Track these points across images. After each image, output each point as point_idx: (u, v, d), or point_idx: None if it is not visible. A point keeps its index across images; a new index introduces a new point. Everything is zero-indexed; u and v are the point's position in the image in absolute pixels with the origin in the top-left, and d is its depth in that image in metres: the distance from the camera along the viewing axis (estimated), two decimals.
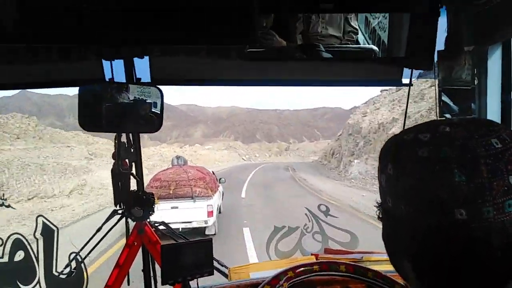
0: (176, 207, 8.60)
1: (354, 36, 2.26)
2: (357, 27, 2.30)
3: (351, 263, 1.35)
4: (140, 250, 1.95)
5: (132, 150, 1.87)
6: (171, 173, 9.52)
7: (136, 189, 1.89)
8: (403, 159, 0.54)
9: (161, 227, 2.03)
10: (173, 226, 7.29)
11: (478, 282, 0.51)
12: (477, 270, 0.50)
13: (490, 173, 0.47)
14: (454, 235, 0.49)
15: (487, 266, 0.49)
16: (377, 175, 0.61)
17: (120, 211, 1.99)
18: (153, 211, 1.89)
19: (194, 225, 8.74)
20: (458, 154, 0.49)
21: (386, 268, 1.62)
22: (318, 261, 1.41)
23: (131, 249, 1.93)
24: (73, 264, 2.08)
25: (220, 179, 11.69)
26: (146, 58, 1.61)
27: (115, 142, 1.87)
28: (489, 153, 0.48)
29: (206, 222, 8.74)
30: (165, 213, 8.30)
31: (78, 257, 2.06)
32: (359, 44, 2.48)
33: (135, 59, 1.61)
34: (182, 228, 8.55)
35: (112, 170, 1.88)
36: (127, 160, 1.87)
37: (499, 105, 1.28)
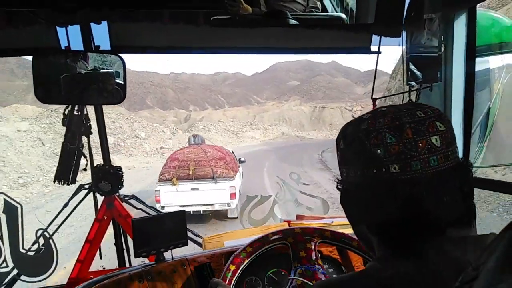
0: (197, 189, 8.13)
1: (317, 2, 2.21)
2: None
3: (338, 231, 1.39)
4: (111, 224, 1.93)
5: (85, 123, 1.77)
6: (188, 152, 8.94)
7: (102, 163, 1.83)
8: (349, 133, 0.67)
9: (132, 200, 1.99)
10: (193, 208, 7.59)
11: (416, 230, 0.60)
12: (413, 218, 0.60)
13: (414, 134, 0.59)
14: (391, 187, 0.60)
15: (421, 213, 0.60)
16: None
17: (87, 186, 1.94)
18: (122, 185, 1.85)
19: (216, 207, 8.27)
20: (388, 122, 0.61)
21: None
22: (302, 226, 1.45)
23: (101, 224, 1.90)
24: (41, 240, 2.03)
25: (239, 159, 11.08)
26: (105, 24, 1.50)
27: (64, 115, 1.77)
28: (413, 119, 0.60)
29: (229, 204, 8.22)
30: (185, 194, 8.02)
31: (45, 233, 2.02)
32: (327, 11, 2.44)
33: (93, 25, 1.50)
34: (203, 211, 8.22)
35: (62, 145, 1.79)
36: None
37: (464, 71, 1.32)
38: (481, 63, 1.39)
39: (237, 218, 8.22)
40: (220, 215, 8.68)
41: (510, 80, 1.64)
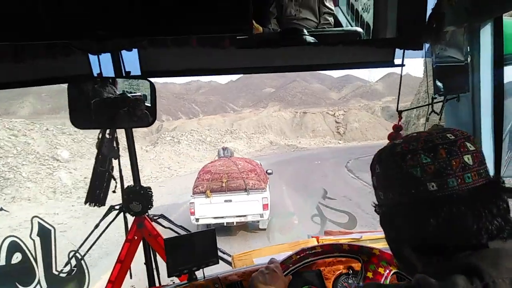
0: (230, 200, 8.26)
1: (329, 18, 2.26)
2: (332, 8, 2.29)
3: (356, 243, 1.39)
4: (141, 244, 1.96)
5: (114, 147, 1.83)
6: (220, 165, 9.16)
7: (132, 184, 1.87)
8: (384, 158, 0.72)
9: (161, 220, 2.02)
10: (226, 220, 7.86)
11: (460, 244, 0.63)
12: (455, 233, 0.63)
13: (448, 154, 0.64)
14: (430, 204, 0.64)
15: (462, 228, 0.62)
16: None
17: (117, 207, 1.98)
18: (152, 205, 1.89)
19: (249, 218, 8.40)
20: (422, 144, 0.66)
21: (386, 245, 1.67)
22: (320, 243, 1.44)
23: (132, 244, 1.93)
24: (73, 262, 2.07)
25: (267, 170, 11.12)
26: (135, 50, 1.57)
27: (98, 138, 1.83)
28: (445, 141, 0.65)
29: (261, 215, 8.28)
30: (218, 206, 8.17)
31: (77, 254, 2.06)
32: (341, 26, 2.48)
33: (124, 52, 1.57)
34: (236, 222, 8.35)
35: (94, 168, 1.85)
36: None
37: (492, 80, 1.32)
38: (508, 72, 1.37)
39: (264, 229, 8.30)
40: (246, 228, 8.76)
41: None
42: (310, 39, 1.57)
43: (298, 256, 1.36)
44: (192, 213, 8.17)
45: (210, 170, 8.96)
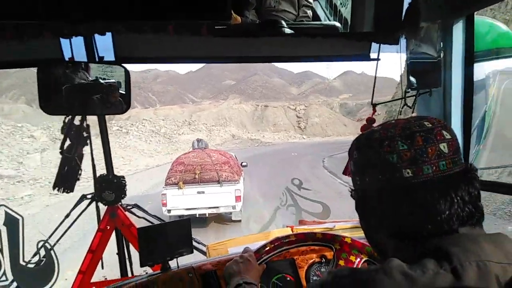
0: (203, 192, 8.31)
1: (307, 11, 2.27)
2: (311, 1, 2.30)
3: (326, 232, 1.42)
4: (114, 234, 1.93)
5: (84, 134, 1.77)
6: (194, 156, 9.15)
7: (106, 172, 1.83)
8: (362, 144, 0.73)
9: (134, 209, 1.99)
10: (199, 211, 7.78)
11: (432, 230, 0.65)
12: (428, 219, 0.65)
13: (424, 141, 0.65)
14: (405, 190, 0.65)
15: (435, 213, 0.64)
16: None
17: (89, 196, 1.93)
18: (125, 194, 1.85)
19: (222, 210, 8.46)
20: (399, 131, 0.67)
21: (359, 234, 1.72)
22: (294, 233, 1.46)
23: (104, 234, 1.89)
24: (42, 252, 2.01)
25: (242, 163, 11.19)
26: (109, 35, 1.52)
27: (64, 123, 1.76)
28: (422, 129, 0.67)
29: (234, 207, 8.37)
30: (191, 198, 8.18)
31: (47, 244, 2.00)
32: (319, 20, 2.49)
33: (97, 37, 1.51)
34: (208, 214, 8.37)
35: (60, 153, 1.78)
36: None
37: (463, 76, 1.36)
38: (477, 68, 1.43)
39: (240, 221, 8.57)
40: (220, 219, 8.79)
41: (504, 84, 1.68)
42: (288, 31, 1.57)
43: (272, 245, 1.38)
44: (164, 204, 8.19)
45: (183, 161, 8.95)
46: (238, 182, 8.62)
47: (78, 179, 1.79)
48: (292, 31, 1.55)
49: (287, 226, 1.84)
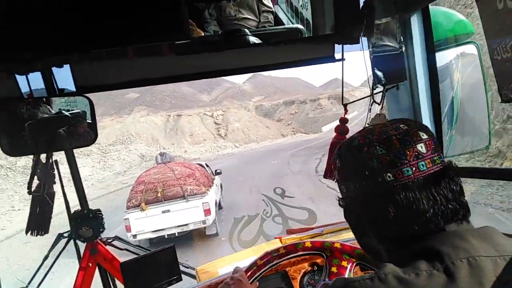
0: (168, 211, 7.81)
1: (268, 16, 2.28)
2: (271, 6, 2.31)
3: (318, 240, 1.39)
4: (97, 271, 1.84)
5: (51, 171, 1.68)
6: (155, 173, 8.62)
7: (80, 208, 1.75)
8: (343, 152, 0.75)
9: (116, 242, 1.91)
10: (167, 231, 7.18)
11: (419, 230, 0.65)
12: (413, 220, 0.65)
13: (401, 144, 0.67)
14: (388, 194, 0.66)
15: (420, 214, 0.65)
16: None
17: (66, 234, 1.84)
18: (103, 228, 1.77)
19: (191, 227, 7.94)
20: (377, 137, 0.69)
21: (347, 236, 1.71)
22: (283, 245, 1.43)
23: (86, 272, 1.80)
24: None
25: (215, 170, 10.81)
26: (67, 66, 1.46)
27: (33, 161, 1.67)
28: (398, 131, 0.68)
29: (204, 222, 7.90)
30: (156, 219, 7.65)
31: None
32: (283, 24, 2.51)
33: (55, 69, 1.46)
34: (178, 233, 7.83)
35: (28, 192, 1.68)
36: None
37: (427, 67, 1.39)
38: (440, 57, 1.46)
39: (217, 234, 8.16)
40: (199, 235, 8.31)
41: (465, 67, 1.72)
42: (253, 39, 1.56)
43: (262, 261, 1.35)
44: (128, 229, 7.62)
45: (144, 180, 8.43)
46: (206, 194, 8.18)
47: (51, 218, 1.69)
48: (256, 39, 1.54)
49: (275, 238, 1.81)
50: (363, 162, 0.68)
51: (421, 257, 0.61)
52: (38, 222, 1.65)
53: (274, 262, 1.36)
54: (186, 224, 7.85)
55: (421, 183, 0.65)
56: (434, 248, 0.62)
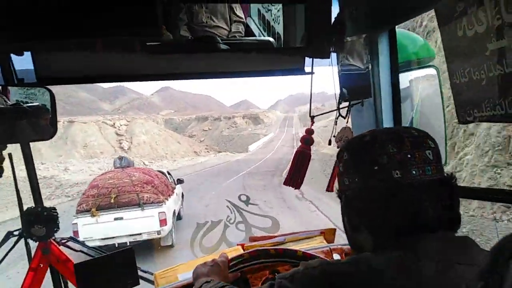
0: (121, 218, 7.26)
1: (239, 27, 2.31)
2: (243, 17, 2.34)
3: (281, 247, 1.40)
4: (49, 271, 1.74)
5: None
6: (110, 177, 7.98)
7: (33, 205, 1.66)
8: (353, 146, 0.78)
9: (70, 243, 1.83)
10: (118, 240, 6.43)
11: (413, 229, 0.68)
12: (412, 218, 0.69)
13: (412, 146, 0.70)
14: (394, 190, 0.69)
15: (420, 214, 0.68)
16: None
17: (16, 232, 1.74)
18: (58, 228, 1.69)
19: (145, 237, 7.42)
20: (390, 136, 0.72)
21: (308, 245, 1.73)
22: (248, 250, 1.43)
23: (37, 273, 1.70)
24: None
25: (177, 179, 10.38)
26: (28, 54, 1.39)
27: None
28: (410, 135, 0.72)
29: (159, 232, 7.44)
30: (107, 225, 7.10)
31: None
32: (254, 35, 2.54)
33: (14, 57, 1.38)
34: (130, 242, 7.22)
35: None
36: None
37: (390, 86, 1.46)
38: (403, 78, 1.53)
39: (172, 246, 7.86)
40: (151, 246, 7.82)
41: (425, 89, 1.82)
42: (223, 47, 1.57)
43: (250, 255, 1.34)
44: (76, 235, 6.93)
45: (97, 184, 7.89)
46: (164, 203, 7.77)
47: None
48: (227, 47, 1.55)
49: (237, 244, 1.80)
50: (374, 157, 0.70)
51: (400, 250, 0.66)
52: None
53: (235, 268, 1.35)
54: (140, 234, 7.41)
55: (425, 186, 0.69)
56: (416, 246, 0.66)
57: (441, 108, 1.68)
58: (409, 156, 0.69)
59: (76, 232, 7.06)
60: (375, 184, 0.70)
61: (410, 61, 1.64)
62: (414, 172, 0.69)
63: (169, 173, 10.43)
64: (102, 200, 7.43)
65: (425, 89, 1.78)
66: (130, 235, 7.30)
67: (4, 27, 1.15)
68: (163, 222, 7.51)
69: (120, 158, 9.63)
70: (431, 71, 1.68)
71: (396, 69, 1.45)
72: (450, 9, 1.19)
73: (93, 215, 7.25)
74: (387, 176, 0.69)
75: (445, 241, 0.68)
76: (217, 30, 2.14)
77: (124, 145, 41.53)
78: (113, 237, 7.30)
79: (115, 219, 7.30)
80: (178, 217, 9.71)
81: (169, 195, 8.44)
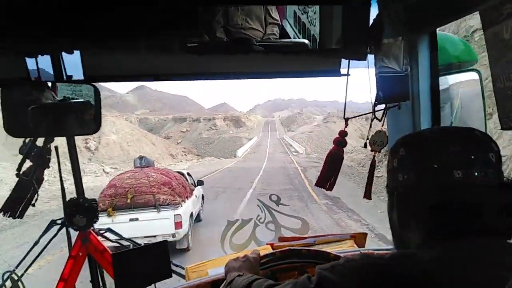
0: (136, 219, 7.12)
1: (274, 29, 2.32)
2: (278, 19, 2.35)
3: (312, 248, 1.40)
4: (87, 260, 1.83)
5: (46, 156, 1.66)
6: (128, 177, 7.82)
7: (76, 196, 1.75)
8: (412, 142, 0.75)
9: (108, 233, 1.91)
10: (115, 244, 6.35)
11: (471, 232, 0.66)
12: (471, 220, 0.66)
13: (477, 147, 0.69)
14: (455, 190, 0.67)
15: (478, 216, 0.66)
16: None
17: (59, 221, 1.84)
18: (97, 218, 1.77)
19: (159, 240, 6.95)
20: (453, 134, 0.70)
21: (339, 248, 1.72)
22: (278, 250, 1.44)
23: (76, 261, 1.79)
24: (8, 284, 1.88)
25: (198, 181, 10.14)
26: (77, 53, 1.48)
27: (24, 143, 1.65)
28: (474, 135, 0.71)
29: (173, 235, 7.22)
30: (122, 226, 6.86)
31: (13, 275, 1.87)
32: (288, 37, 2.55)
33: (65, 55, 1.47)
34: (144, 244, 7.19)
35: (17, 175, 1.66)
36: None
37: (429, 89, 1.43)
38: (442, 81, 1.50)
39: (187, 249, 7.68)
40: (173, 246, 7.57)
41: (466, 95, 1.76)
42: (259, 48, 1.59)
43: (281, 254, 1.36)
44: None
45: (115, 184, 7.74)
46: (180, 205, 7.58)
47: (33, 205, 1.66)
48: (262, 49, 1.57)
49: (267, 244, 1.82)
50: (434, 155, 0.68)
51: (451, 250, 0.64)
52: (15, 205, 1.63)
53: (265, 266, 1.36)
54: (154, 236, 7.18)
55: (487, 189, 0.67)
56: (470, 248, 0.64)
57: (482, 113, 1.62)
58: (472, 157, 0.67)
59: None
60: (433, 182, 0.68)
61: (451, 64, 1.59)
62: (476, 173, 0.66)
63: (189, 174, 10.26)
64: (118, 200, 7.34)
65: (465, 93, 1.72)
66: (145, 237, 7.12)
67: (56, 28, 1.23)
68: (178, 225, 7.33)
69: (141, 157, 9.50)
70: (473, 75, 1.63)
71: (436, 72, 1.42)
72: (495, 11, 1.16)
73: (109, 215, 7.17)
74: (447, 175, 0.67)
75: (499, 247, 0.66)
76: (252, 32, 2.17)
77: (91, 145, 35.91)
78: (128, 238, 7.31)
79: (131, 220, 7.17)
80: (197, 218, 9.61)
81: (186, 197, 8.29)
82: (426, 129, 0.78)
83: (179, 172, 9.53)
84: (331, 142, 1.58)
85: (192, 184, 9.76)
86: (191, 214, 8.40)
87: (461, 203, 0.66)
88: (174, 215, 7.30)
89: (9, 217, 1.67)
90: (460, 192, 0.66)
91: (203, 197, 10.68)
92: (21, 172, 1.65)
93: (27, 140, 1.64)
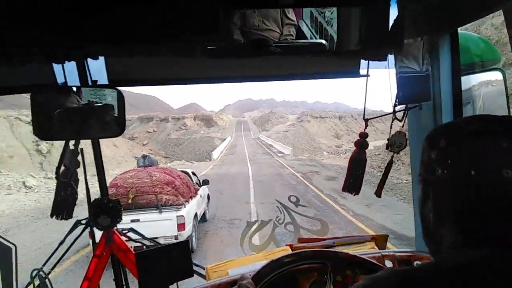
0: (137, 220, 6.77)
1: (290, 30, 2.32)
2: (294, 19, 2.35)
3: (326, 249, 1.41)
4: (110, 259, 1.88)
5: (77, 158, 1.74)
6: (131, 176, 7.58)
7: (100, 197, 1.80)
8: (454, 134, 0.67)
9: (130, 233, 1.96)
10: (133, 243, 6.52)
11: (504, 231, 0.60)
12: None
13: None
14: (502, 190, 0.60)
15: None
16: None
17: (84, 221, 1.90)
18: (121, 218, 1.82)
19: (161, 242, 6.74)
20: (505, 128, 0.62)
21: (359, 250, 1.72)
22: (293, 252, 1.45)
23: (100, 260, 1.85)
24: (36, 281, 1.95)
25: (203, 180, 9.89)
26: (102, 58, 1.53)
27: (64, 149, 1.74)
28: None
29: (176, 237, 6.88)
30: (123, 227, 6.81)
31: (41, 273, 1.95)
32: (306, 38, 2.55)
33: (90, 61, 1.53)
34: (146, 247, 6.95)
35: (56, 179, 1.75)
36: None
37: (451, 89, 1.41)
38: (465, 81, 1.47)
39: (192, 252, 7.23)
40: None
41: (488, 95, 1.73)
42: (276, 50, 1.61)
43: (271, 266, 1.37)
44: (90, 236, 6.88)
45: (117, 183, 7.45)
46: (184, 206, 7.29)
47: (76, 205, 1.75)
48: (280, 50, 1.59)
49: (286, 245, 1.83)
50: (479, 151, 0.61)
51: (493, 249, 0.60)
52: (63, 207, 1.71)
53: (283, 268, 1.38)
54: (156, 238, 6.80)
55: None
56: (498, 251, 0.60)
57: (506, 114, 1.59)
58: None
59: (90, 233, 7.11)
60: (478, 179, 0.61)
61: (473, 63, 1.57)
62: None
63: (193, 174, 9.96)
64: (119, 200, 7.22)
65: (488, 93, 1.69)
66: (146, 239, 7.01)
67: (83, 35, 1.28)
68: (181, 226, 7.03)
69: (144, 156, 9.23)
70: (496, 74, 1.60)
71: (458, 72, 1.40)
72: None
73: None
74: (495, 172, 0.60)
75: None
76: (269, 33, 2.18)
77: (43, 148, 29.41)
78: (150, 238, 7.27)
79: (132, 221, 6.71)
80: (203, 218, 9.42)
81: (190, 197, 8.03)
82: (468, 118, 0.68)
83: (183, 171, 9.28)
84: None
85: (196, 183, 9.50)
86: (195, 215, 8.17)
87: (507, 204, 0.60)
88: (177, 216, 7.03)
89: (61, 219, 1.76)
90: (507, 193, 0.60)
91: (208, 197, 10.47)
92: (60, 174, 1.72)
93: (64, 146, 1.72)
